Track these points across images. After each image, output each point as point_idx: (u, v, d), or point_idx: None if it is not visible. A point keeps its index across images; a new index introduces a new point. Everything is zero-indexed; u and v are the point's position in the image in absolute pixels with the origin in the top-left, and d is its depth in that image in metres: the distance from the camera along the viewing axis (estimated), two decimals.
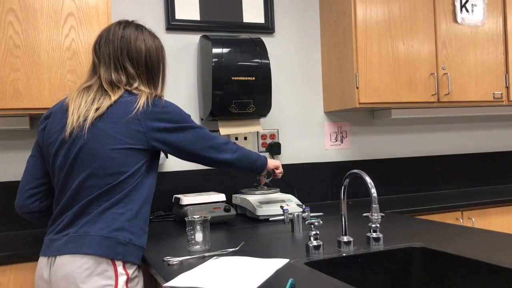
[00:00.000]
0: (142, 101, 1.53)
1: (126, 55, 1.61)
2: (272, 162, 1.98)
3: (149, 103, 1.54)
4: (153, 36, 1.71)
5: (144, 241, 1.53)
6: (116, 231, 1.44)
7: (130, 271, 1.46)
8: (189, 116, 1.65)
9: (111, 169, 1.47)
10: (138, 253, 1.49)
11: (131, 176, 1.49)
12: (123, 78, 1.59)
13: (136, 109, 1.51)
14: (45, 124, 1.61)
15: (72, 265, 1.40)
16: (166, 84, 1.75)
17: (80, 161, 1.49)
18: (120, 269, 1.43)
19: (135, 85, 1.60)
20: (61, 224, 1.47)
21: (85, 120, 1.49)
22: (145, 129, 1.52)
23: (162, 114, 1.56)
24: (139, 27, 1.68)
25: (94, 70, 1.64)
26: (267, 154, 2.77)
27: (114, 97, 1.53)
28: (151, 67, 1.66)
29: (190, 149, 1.63)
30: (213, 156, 1.68)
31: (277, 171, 2.04)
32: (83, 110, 1.51)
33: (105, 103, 1.51)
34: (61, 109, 1.58)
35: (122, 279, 1.43)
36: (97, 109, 1.50)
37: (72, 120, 1.51)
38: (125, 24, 1.67)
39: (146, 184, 1.55)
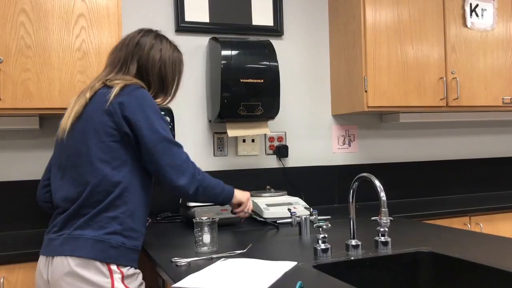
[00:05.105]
0: (115, 91, 1.46)
1: (136, 60, 1.60)
2: (238, 196, 1.70)
3: (121, 92, 1.47)
4: (173, 48, 1.69)
5: (139, 243, 1.52)
6: (108, 234, 1.44)
7: (124, 270, 1.46)
8: (168, 122, 1.60)
9: (95, 171, 1.45)
10: (132, 256, 1.49)
11: (119, 177, 1.46)
12: (119, 74, 1.57)
13: (109, 101, 1.45)
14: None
15: (68, 266, 1.41)
16: (176, 95, 1.73)
17: (66, 162, 1.52)
18: (114, 267, 1.44)
19: (117, 80, 1.52)
20: (58, 225, 1.49)
21: (66, 124, 1.53)
22: (113, 109, 1.45)
23: (129, 97, 1.47)
24: (159, 37, 1.67)
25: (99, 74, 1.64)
26: (274, 157, 2.77)
27: (88, 94, 1.51)
28: (164, 77, 1.64)
29: (148, 141, 1.46)
30: (170, 172, 1.48)
31: (239, 208, 1.74)
32: (68, 113, 1.54)
33: (81, 102, 1.52)
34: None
35: (117, 276, 1.44)
36: (76, 111, 1.52)
37: (61, 124, 1.56)
38: (145, 32, 1.66)
39: (140, 185, 1.52)
